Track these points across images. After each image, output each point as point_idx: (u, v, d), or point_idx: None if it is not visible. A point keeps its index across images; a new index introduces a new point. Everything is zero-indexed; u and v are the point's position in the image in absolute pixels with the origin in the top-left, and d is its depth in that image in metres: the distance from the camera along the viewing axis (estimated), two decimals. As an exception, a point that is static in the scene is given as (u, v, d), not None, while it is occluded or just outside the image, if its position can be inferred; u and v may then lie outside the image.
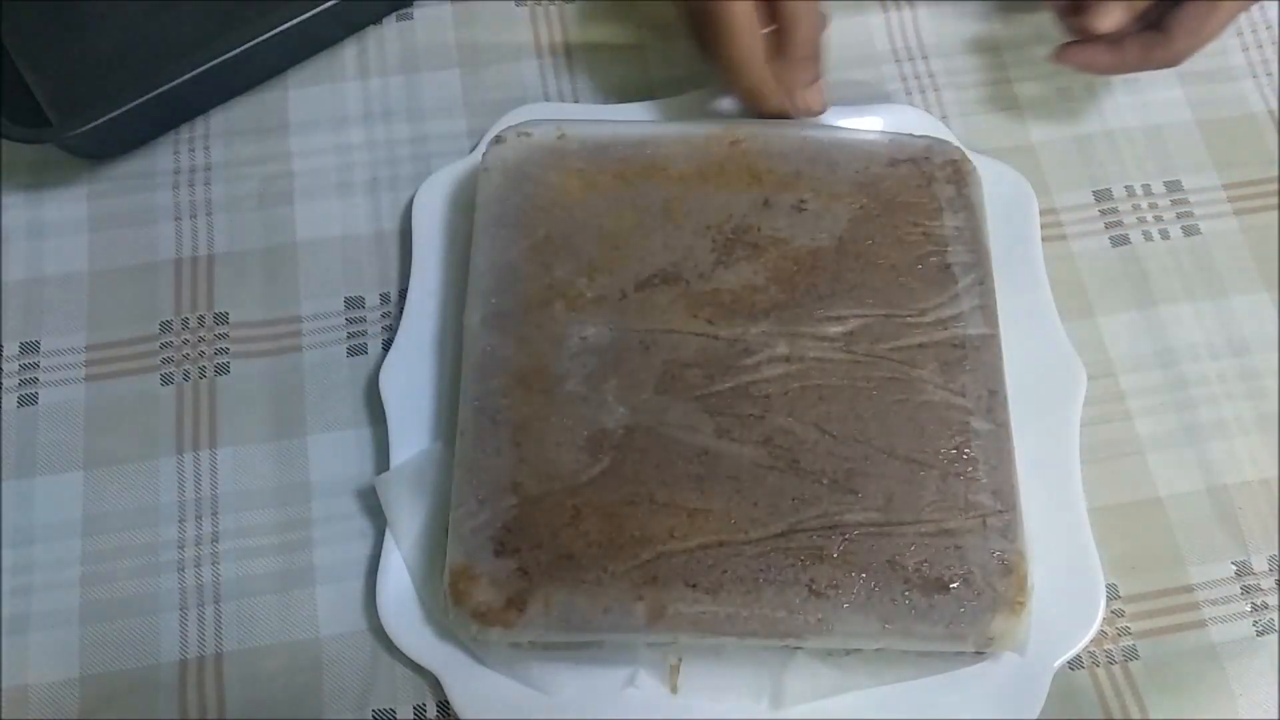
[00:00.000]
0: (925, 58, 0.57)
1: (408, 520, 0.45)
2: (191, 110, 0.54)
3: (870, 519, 0.42)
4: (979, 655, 0.42)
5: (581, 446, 0.43)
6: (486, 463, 0.43)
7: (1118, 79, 0.55)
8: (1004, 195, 0.50)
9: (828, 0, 0.52)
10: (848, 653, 0.43)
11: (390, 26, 0.57)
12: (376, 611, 0.44)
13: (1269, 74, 0.57)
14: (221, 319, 0.50)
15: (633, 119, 0.53)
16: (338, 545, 0.46)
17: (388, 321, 0.51)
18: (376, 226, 0.53)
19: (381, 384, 0.48)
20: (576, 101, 0.55)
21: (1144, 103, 0.55)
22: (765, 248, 0.47)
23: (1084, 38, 0.49)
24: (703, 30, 0.47)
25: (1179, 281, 0.52)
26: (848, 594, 0.41)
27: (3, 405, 0.49)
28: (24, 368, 0.49)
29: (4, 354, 0.50)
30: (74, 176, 0.53)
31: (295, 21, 0.52)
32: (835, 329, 0.45)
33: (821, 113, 0.50)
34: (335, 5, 0.52)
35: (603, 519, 0.42)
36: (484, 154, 0.49)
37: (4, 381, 0.49)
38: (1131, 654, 0.45)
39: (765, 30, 0.47)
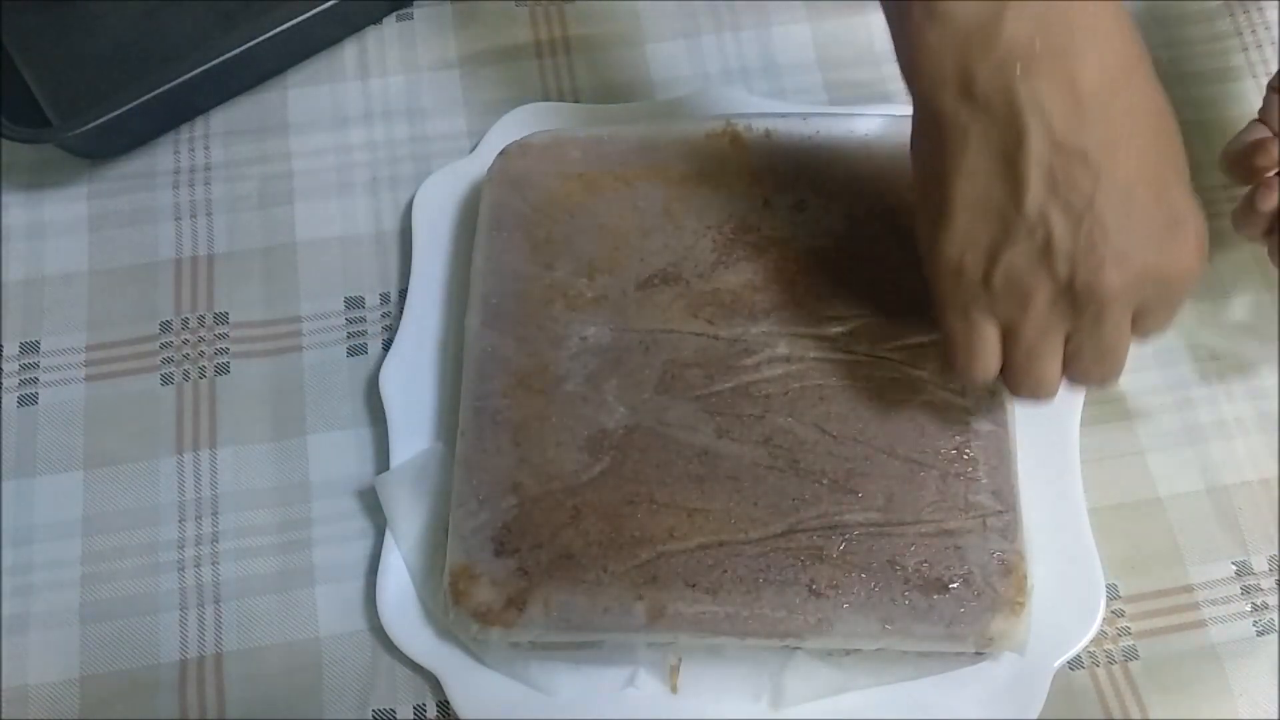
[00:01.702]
0: (925, 58, 0.56)
1: (408, 520, 0.45)
2: (191, 110, 0.54)
3: (870, 519, 0.42)
4: (979, 655, 0.42)
5: (581, 446, 0.43)
6: (487, 463, 0.43)
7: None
8: (1004, 195, 0.50)
9: (828, 1, 0.52)
10: (848, 653, 0.43)
11: (390, 26, 0.57)
12: (376, 611, 0.44)
13: (1269, 74, 0.56)
14: (221, 319, 0.50)
15: (633, 119, 0.53)
16: (338, 545, 0.46)
17: (388, 321, 0.51)
18: (377, 226, 0.53)
19: (381, 384, 0.48)
20: (577, 101, 0.55)
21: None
22: (765, 248, 0.47)
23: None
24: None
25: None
26: (848, 594, 0.41)
27: (3, 405, 0.49)
28: (24, 368, 0.49)
29: (4, 354, 0.50)
30: (74, 176, 0.53)
31: (295, 21, 0.52)
32: (835, 329, 0.45)
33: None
34: (335, 5, 0.52)
35: (603, 519, 0.42)
36: (488, 167, 0.49)
37: (4, 381, 0.49)
38: (1131, 654, 0.45)
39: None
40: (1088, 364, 0.37)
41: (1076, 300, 0.35)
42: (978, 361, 0.38)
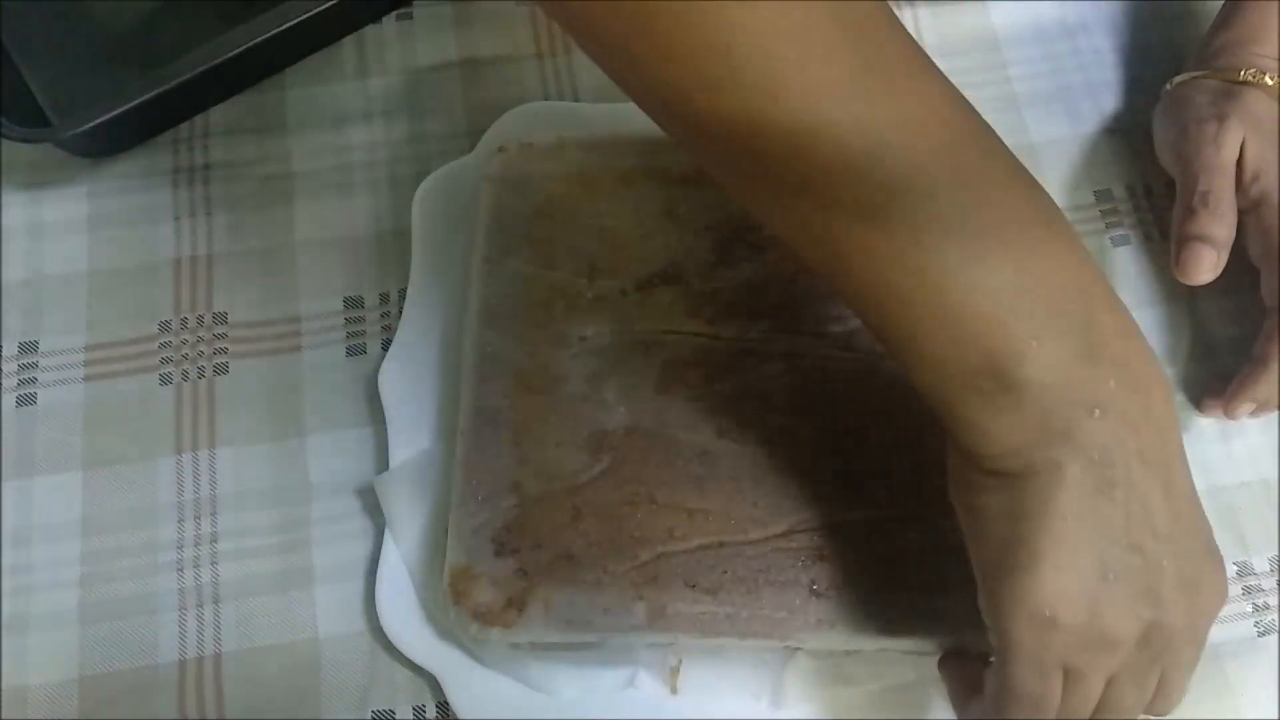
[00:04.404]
0: (925, 57, 0.57)
1: (407, 520, 0.45)
2: (191, 109, 0.54)
3: (871, 519, 0.42)
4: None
5: (581, 447, 0.43)
6: (486, 463, 0.43)
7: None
8: (1004, 195, 0.50)
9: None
10: (848, 653, 0.43)
11: (390, 26, 0.57)
12: (376, 612, 0.44)
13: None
14: (221, 319, 0.50)
15: (633, 119, 0.53)
16: (337, 545, 0.46)
17: (387, 321, 0.50)
18: (376, 226, 0.52)
19: (381, 384, 0.48)
20: (577, 101, 0.55)
21: (1144, 102, 0.55)
22: (765, 248, 0.47)
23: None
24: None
25: (1179, 281, 0.51)
26: (848, 594, 0.41)
27: (2, 405, 0.49)
28: (23, 368, 0.49)
29: (3, 354, 0.50)
30: (73, 176, 0.53)
31: (295, 21, 0.52)
32: (835, 328, 0.45)
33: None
34: (335, 5, 0.52)
35: (602, 519, 0.42)
36: (486, 163, 0.49)
37: (3, 381, 0.49)
38: (1132, 654, 0.45)
39: None
40: (1167, 693, 0.36)
41: (1168, 638, 0.34)
42: (1049, 714, 0.34)
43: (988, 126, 0.33)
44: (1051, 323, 0.32)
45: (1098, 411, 0.32)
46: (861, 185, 0.31)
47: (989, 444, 0.33)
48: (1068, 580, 0.32)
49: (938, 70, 0.33)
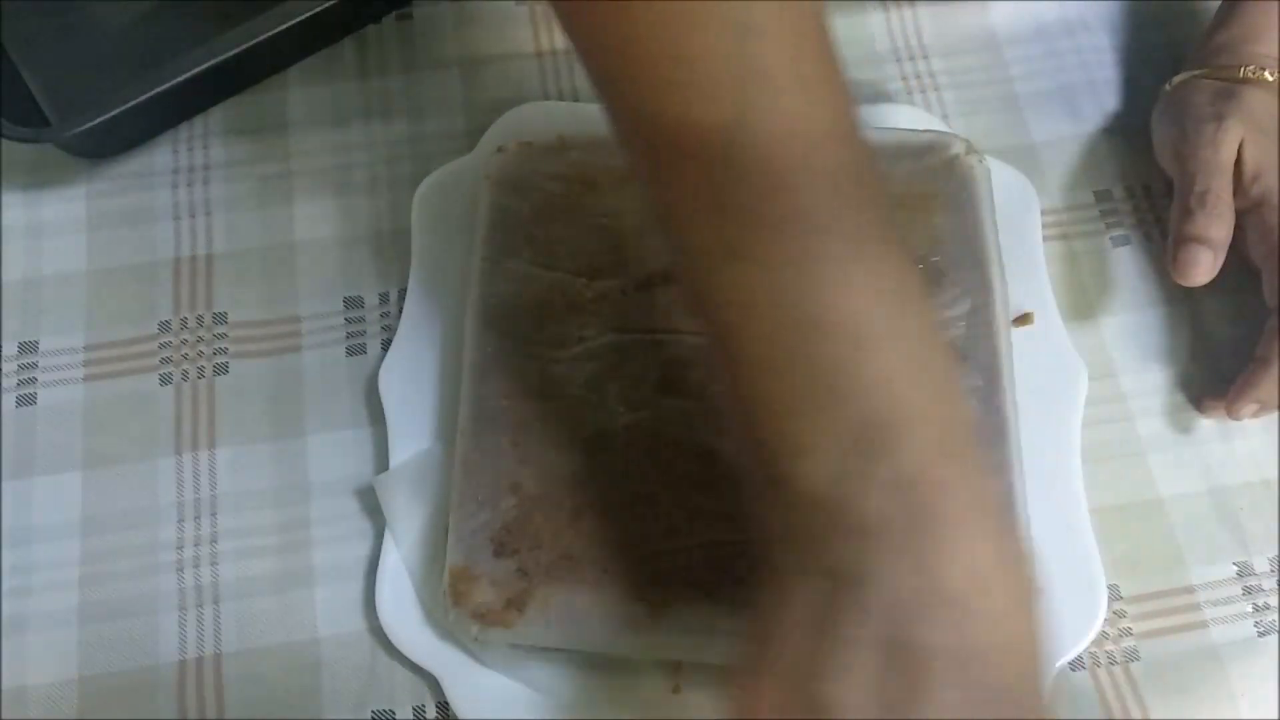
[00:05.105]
0: (926, 57, 0.56)
1: (407, 520, 0.45)
2: (191, 109, 0.54)
3: (871, 519, 0.42)
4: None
5: (581, 447, 0.43)
6: (486, 463, 0.43)
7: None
8: (1005, 195, 0.50)
9: (828, 1, 0.51)
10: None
11: (390, 25, 0.57)
12: (376, 612, 0.44)
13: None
14: (220, 319, 0.50)
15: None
16: (337, 546, 0.46)
17: (387, 321, 0.50)
18: (376, 226, 0.52)
19: (381, 384, 0.47)
20: (576, 100, 0.55)
21: (1146, 102, 0.55)
22: (765, 247, 0.47)
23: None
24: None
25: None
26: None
27: (2, 405, 0.49)
28: (22, 368, 0.49)
29: (3, 354, 0.50)
30: (73, 176, 0.53)
31: (295, 21, 0.52)
32: (836, 329, 0.45)
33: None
34: (335, 5, 0.52)
35: (602, 519, 0.42)
36: (485, 163, 0.49)
37: (3, 381, 0.49)
38: (1133, 655, 0.45)
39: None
40: None
41: None
42: None
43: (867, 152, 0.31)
44: (840, 435, 0.29)
45: (873, 541, 0.28)
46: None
47: (759, 519, 0.31)
48: (772, 693, 0.30)
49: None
